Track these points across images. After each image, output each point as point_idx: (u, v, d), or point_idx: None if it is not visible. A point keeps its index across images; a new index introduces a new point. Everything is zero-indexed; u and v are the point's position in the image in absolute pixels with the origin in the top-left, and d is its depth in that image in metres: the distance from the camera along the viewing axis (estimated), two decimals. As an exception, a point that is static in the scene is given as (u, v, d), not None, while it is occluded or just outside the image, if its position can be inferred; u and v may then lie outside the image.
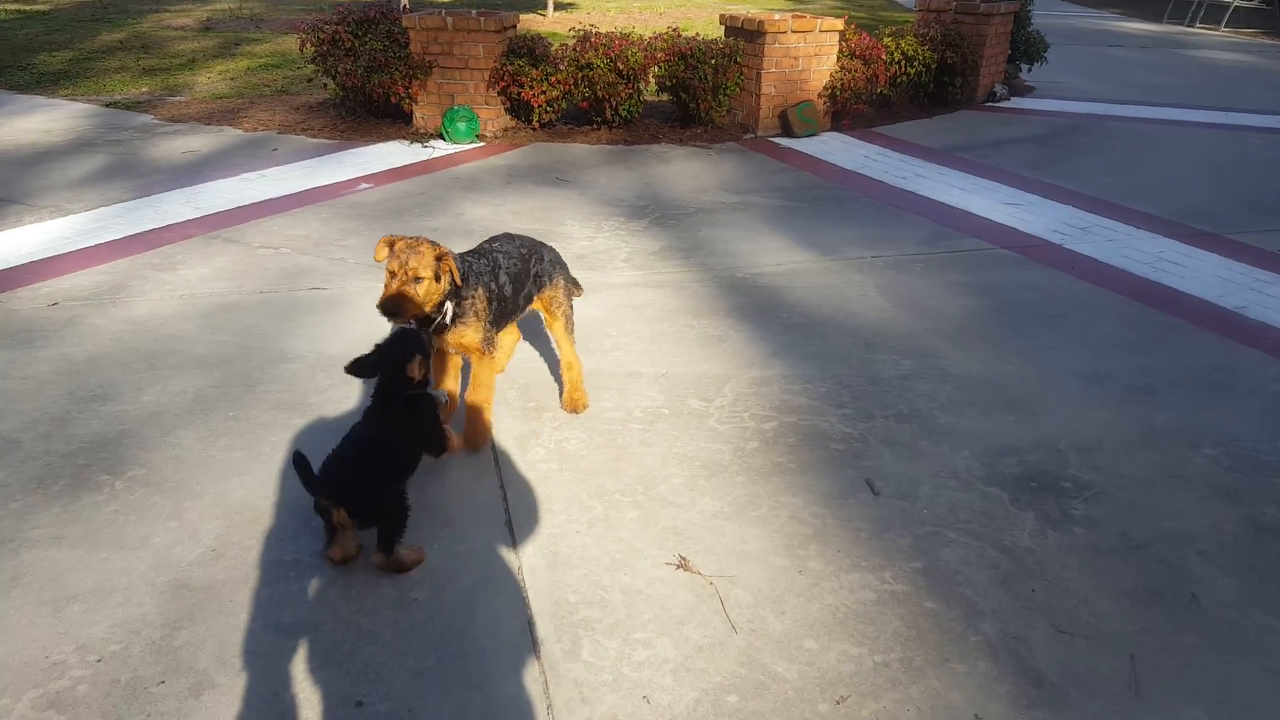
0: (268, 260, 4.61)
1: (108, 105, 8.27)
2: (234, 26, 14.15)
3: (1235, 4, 17.42)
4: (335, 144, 7.02)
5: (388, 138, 7.20)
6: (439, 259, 2.61)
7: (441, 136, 7.18)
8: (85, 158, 6.45)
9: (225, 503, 2.66)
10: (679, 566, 2.43)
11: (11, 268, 4.39)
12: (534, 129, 7.46)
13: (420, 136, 7.22)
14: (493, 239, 3.12)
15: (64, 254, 4.59)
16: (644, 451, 2.98)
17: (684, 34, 7.61)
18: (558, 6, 16.58)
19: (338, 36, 7.19)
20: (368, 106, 7.60)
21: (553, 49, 7.43)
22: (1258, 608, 2.33)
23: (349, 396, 3.29)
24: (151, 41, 12.44)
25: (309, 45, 7.32)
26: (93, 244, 4.74)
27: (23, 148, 6.67)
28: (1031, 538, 2.59)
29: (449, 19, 7.01)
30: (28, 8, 17.08)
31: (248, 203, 5.52)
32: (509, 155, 6.90)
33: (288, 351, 3.64)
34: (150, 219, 5.15)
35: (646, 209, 5.65)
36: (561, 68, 7.17)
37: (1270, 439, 3.14)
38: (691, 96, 7.38)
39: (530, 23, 14.61)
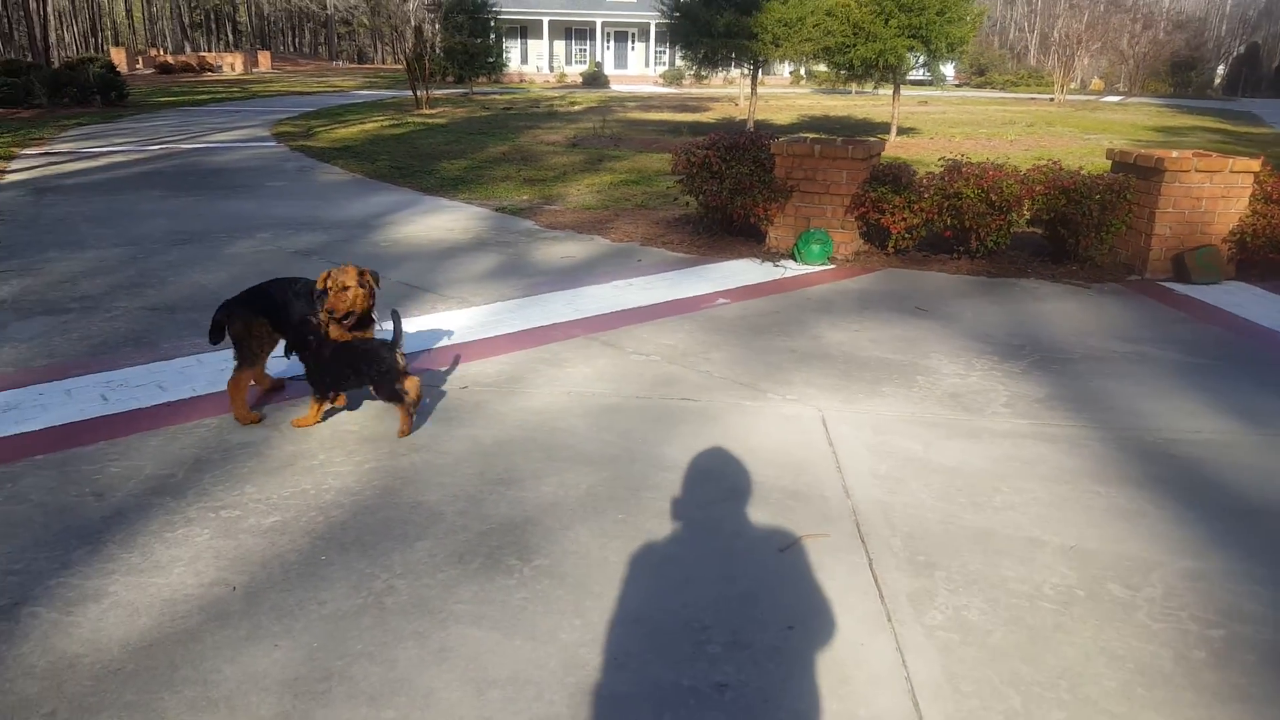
0: (641, 366, 4.82)
1: (497, 210, 9.37)
2: (596, 144, 15.69)
3: None
4: (692, 258, 7.37)
5: (740, 255, 7.45)
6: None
7: (793, 257, 7.29)
8: (482, 256, 7.28)
9: (623, 609, 2.69)
10: (1132, 791, 2.07)
11: (430, 349, 4.96)
12: (887, 254, 7.37)
13: (772, 256, 7.39)
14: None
15: (470, 341, 5.12)
16: (1062, 639, 2.63)
17: (1062, 165, 7.23)
18: (900, 131, 16.70)
19: (707, 160, 7.63)
20: (724, 224, 7.95)
21: (917, 177, 7.36)
22: None
23: (729, 514, 3.27)
24: (529, 155, 14.08)
25: (680, 167, 7.84)
26: (493, 335, 5.25)
27: (434, 243, 7.68)
28: None
29: (816, 147, 7.19)
30: (430, 121, 20.15)
31: (619, 309, 5.88)
32: (861, 279, 6.83)
33: (666, 459, 3.72)
34: (538, 317, 5.64)
35: (1023, 349, 5.27)
36: (926, 196, 7.06)
37: None
38: (1071, 232, 6.93)
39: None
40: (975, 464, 3.78)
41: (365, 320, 4.00)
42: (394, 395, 3.77)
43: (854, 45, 14.68)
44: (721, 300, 6.16)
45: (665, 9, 16.54)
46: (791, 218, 7.45)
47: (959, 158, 7.38)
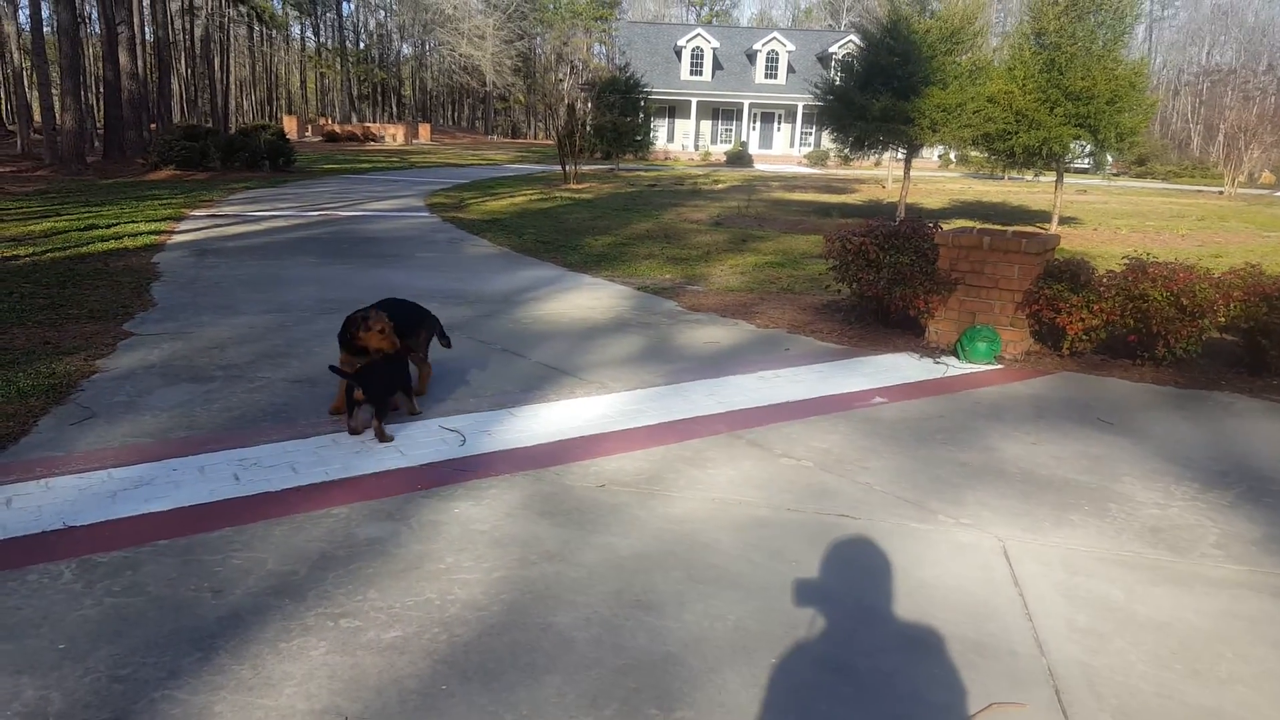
0: (791, 472, 4.41)
1: (639, 289, 9.22)
2: (740, 224, 15.52)
3: None
4: (843, 349, 6.93)
5: (896, 349, 6.96)
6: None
7: (955, 354, 6.75)
8: (623, 338, 7.08)
9: (779, 791, 2.26)
10: None
11: (567, 439, 4.70)
12: (1061, 356, 6.72)
13: (932, 351, 6.86)
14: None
15: (608, 433, 4.85)
16: None
17: (1262, 269, 6.47)
18: (1060, 221, 15.79)
19: (864, 248, 7.23)
20: (878, 315, 7.49)
21: (1096, 275, 6.73)
22: None
23: (902, 669, 2.79)
24: (673, 232, 14.02)
25: (833, 253, 7.47)
26: (631, 426, 4.96)
27: (575, 322, 7.54)
28: None
29: (985, 239, 6.69)
30: (577, 196, 20.58)
31: (765, 403, 5.50)
32: (1033, 383, 6.22)
33: (824, 590, 3.29)
34: (679, 408, 5.33)
35: (1228, 476, 4.57)
36: (1107, 296, 6.42)
37: None
38: (1273, 343, 6.14)
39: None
40: (1189, 620, 3.17)
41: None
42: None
43: (1016, 132, 14.02)
44: (878, 399, 5.69)
45: (818, 91, 16.40)
46: (955, 312, 6.92)
47: (1144, 255, 6.73)
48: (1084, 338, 6.55)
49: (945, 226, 7.52)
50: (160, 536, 3.39)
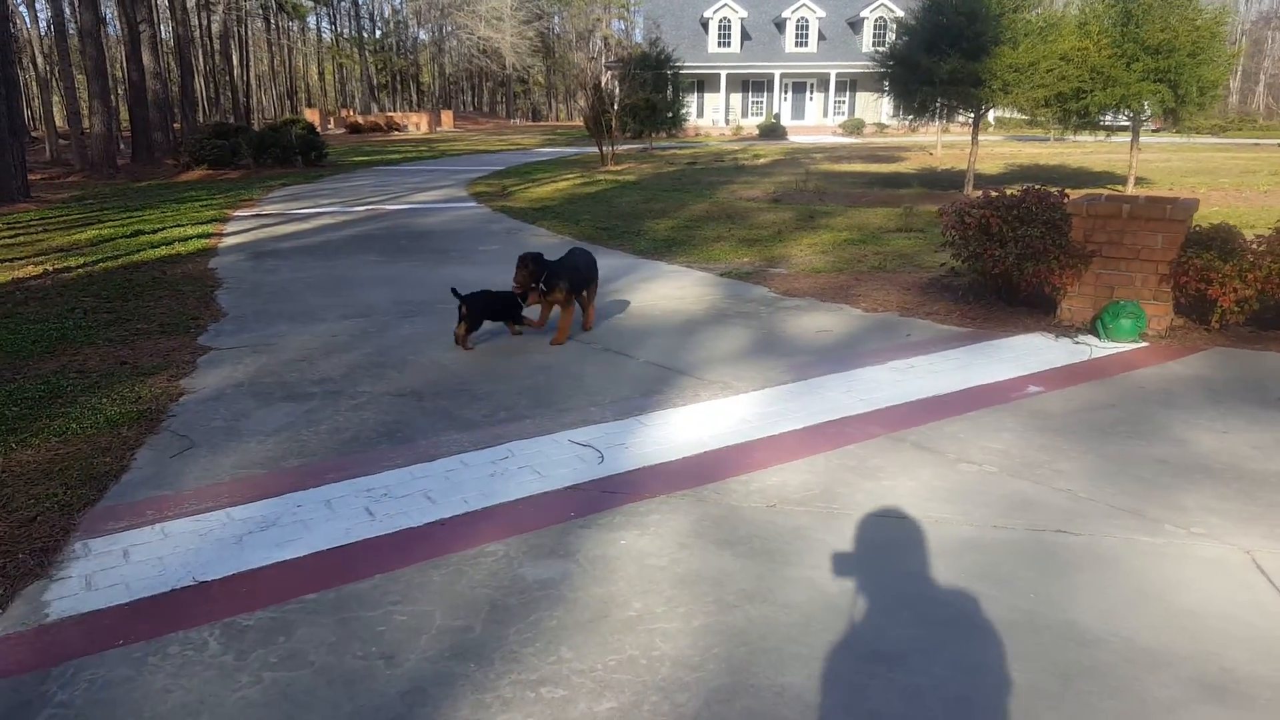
0: (977, 480, 3.91)
1: (722, 275, 8.70)
2: (800, 199, 14.91)
3: None
4: (968, 333, 6.39)
5: (1026, 329, 6.40)
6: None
7: (1095, 332, 6.19)
8: (725, 329, 6.58)
9: None
10: None
11: (712, 451, 4.23)
12: (1208, 330, 6.15)
13: (1066, 330, 6.31)
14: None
15: (754, 440, 4.37)
16: None
17: None
18: (1137, 181, 15.02)
19: (986, 222, 6.66)
20: (997, 293, 6.94)
21: (1244, 240, 6.15)
22: None
23: (1225, 738, 2.30)
24: (734, 212, 13.46)
25: (951, 229, 6.91)
26: (777, 432, 4.48)
27: (669, 314, 7.05)
28: None
29: (1125, 207, 6.11)
30: (620, 178, 20.04)
31: (911, 399, 4.99)
32: (1188, 361, 5.66)
33: (1080, 628, 2.80)
34: (820, 408, 4.84)
35: None
36: (1261, 264, 5.84)
37: None
38: None
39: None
40: None
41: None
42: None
43: (1091, 90, 13.29)
44: (1033, 388, 5.16)
45: (878, 59, 15.68)
46: (1090, 287, 6.35)
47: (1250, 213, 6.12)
48: (1236, 309, 5.98)
49: (1070, 195, 6.94)
50: (305, 589, 2.96)
